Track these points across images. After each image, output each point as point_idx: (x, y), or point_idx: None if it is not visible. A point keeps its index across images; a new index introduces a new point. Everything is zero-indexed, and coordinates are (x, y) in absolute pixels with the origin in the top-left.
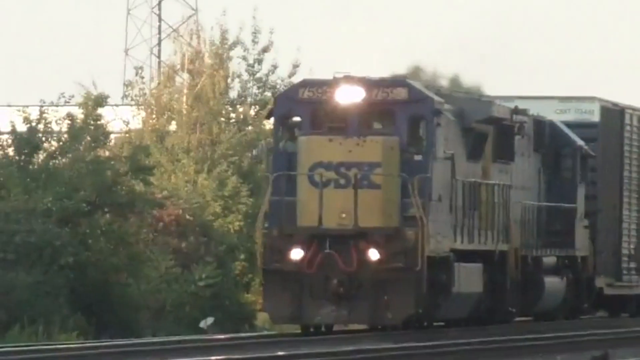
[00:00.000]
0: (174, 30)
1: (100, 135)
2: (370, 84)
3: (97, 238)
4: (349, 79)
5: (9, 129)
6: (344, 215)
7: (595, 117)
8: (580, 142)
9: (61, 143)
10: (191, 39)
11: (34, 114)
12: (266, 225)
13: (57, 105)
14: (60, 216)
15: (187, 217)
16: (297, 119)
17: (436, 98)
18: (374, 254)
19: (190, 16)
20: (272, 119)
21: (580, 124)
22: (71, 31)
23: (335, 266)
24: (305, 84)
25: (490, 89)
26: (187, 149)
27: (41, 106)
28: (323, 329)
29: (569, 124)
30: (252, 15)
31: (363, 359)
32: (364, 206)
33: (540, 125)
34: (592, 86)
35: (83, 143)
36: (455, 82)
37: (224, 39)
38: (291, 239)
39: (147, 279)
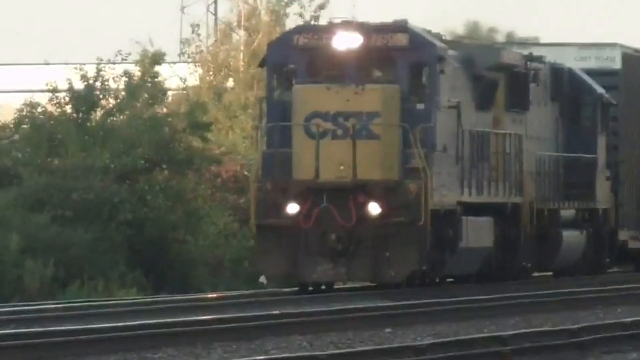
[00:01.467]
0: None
1: (158, 92)
2: (369, 29)
3: (155, 195)
4: (346, 24)
5: (66, 86)
6: (341, 167)
7: (617, 65)
8: (601, 90)
9: (118, 100)
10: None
11: (91, 72)
12: (260, 178)
13: (114, 63)
14: (118, 173)
15: (245, 173)
16: (292, 66)
17: (439, 44)
18: (374, 208)
19: None
20: (265, 68)
21: (601, 72)
22: None
23: (333, 221)
24: (300, 29)
25: (507, 36)
26: (244, 105)
27: (98, 64)
28: (323, 287)
29: (589, 72)
30: None
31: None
32: (362, 158)
33: (558, 72)
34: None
35: (140, 100)
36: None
37: (278, 18)
38: (286, 193)
39: (205, 235)
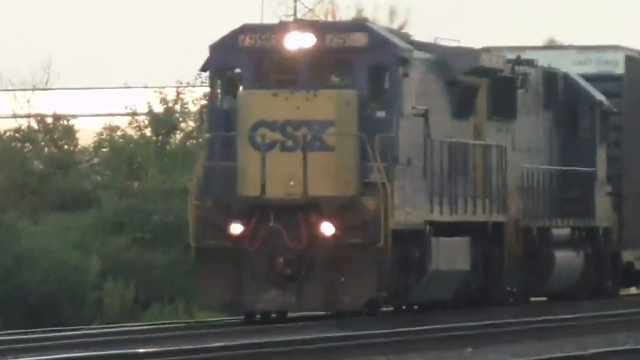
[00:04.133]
0: (310, 10)
1: None
2: (323, 28)
3: None
4: (298, 22)
5: (146, 109)
6: (291, 182)
7: (620, 69)
8: (600, 97)
9: (198, 123)
10: (326, 18)
11: (171, 95)
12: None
13: (193, 86)
14: None
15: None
16: (237, 71)
17: (401, 44)
18: (327, 228)
19: None
20: (208, 72)
21: (602, 77)
22: (206, 11)
23: (281, 243)
24: (246, 29)
25: (501, 39)
26: None
27: (178, 87)
28: (274, 315)
29: (588, 77)
30: None
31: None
32: (315, 172)
33: (552, 77)
34: (616, 34)
35: None
36: None
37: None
38: (229, 212)
39: None
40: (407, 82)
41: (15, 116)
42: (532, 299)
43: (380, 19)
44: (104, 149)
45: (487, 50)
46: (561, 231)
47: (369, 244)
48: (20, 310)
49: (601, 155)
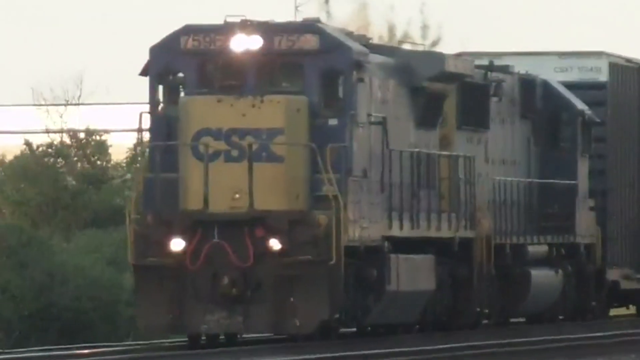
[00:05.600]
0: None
1: None
2: (271, 30)
3: None
4: (244, 23)
5: None
6: (236, 195)
7: (604, 76)
8: (582, 106)
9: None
10: (358, 31)
11: None
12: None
13: None
14: None
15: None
16: (179, 75)
17: (356, 47)
18: (275, 244)
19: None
20: (148, 77)
21: (585, 85)
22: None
23: (225, 260)
24: (189, 30)
25: (479, 45)
26: None
27: None
28: (222, 338)
29: (570, 85)
30: (420, 10)
31: None
32: (262, 184)
33: (529, 85)
34: (600, 39)
35: None
36: None
37: (392, 34)
38: (170, 227)
39: None
40: (363, 87)
41: (47, 131)
42: (513, 320)
43: (413, 34)
44: (137, 165)
45: (455, 55)
46: (538, 248)
47: (320, 261)
48: (54, 327)
49: (583, 167)
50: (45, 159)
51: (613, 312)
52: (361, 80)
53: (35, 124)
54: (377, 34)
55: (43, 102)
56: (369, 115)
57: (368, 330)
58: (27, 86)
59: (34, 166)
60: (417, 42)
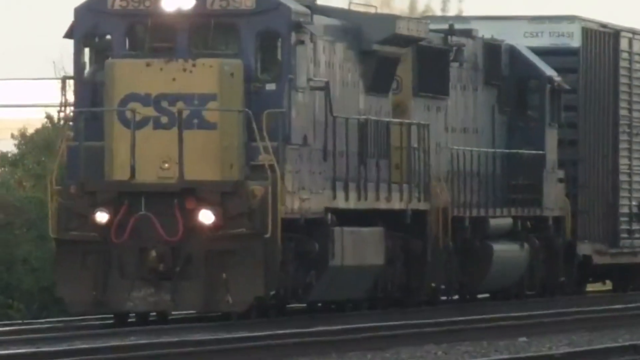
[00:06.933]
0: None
1: None
2: None
3: None
4: None
5: None
6: (165, 165)
7: (576, 42)
8: (551, 72)
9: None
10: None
11: None
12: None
13: None
14: None
15: None
16: (107, 37)
17: (296, 7)
18: (206, 217)
19: None
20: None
21: (557, 50)
22: None
23: (153, 234)
24: None
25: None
26: None
27: None
28: (155, 316)
29: (541, 51)
30: None
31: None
32: (193, 153)
33: (494, 50)
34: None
35: None
36: None
37: (413, 8)
38: (94, 199)
39: None
40: (302, 50)
41: (68, 105)
42: (480, 296)
43: (434, 8)
44: None
45: (408, 17)
46: (500, 221)
47: (254, 234)
48: None
49: (551, 137)
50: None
51: (589, 287)
52: (301, 42)
53: (56, 98)
54: (399, 10)
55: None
56: (310, 79)
57: (318, 306)
58: (49, 60)
59: (55, 139)
60: (371, 5)
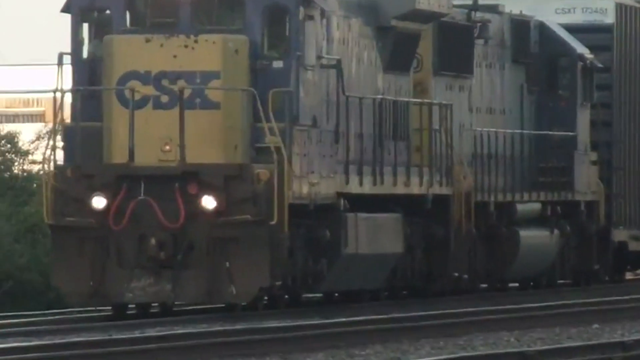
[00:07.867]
0: None
1: None
2: None
3: None
4: None
5: None
6: (166, 147)
7: (610, 18)
8: (583, 50)
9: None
10: None
11: None
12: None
13: None
14: None
15: None
16: (106, 12)
17: None
18: (209, 203)
19: None
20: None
21: (590, 27)
22: None
23: (153, 220)
24: None
25: None
26: None
27: None
28: (156, 306)
29: (573, 28)
30: None
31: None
32: (195, 134)
33: (522, 26)
34: None
35: None
36: None
37: None
38: (92, 183)
39: None
40: (312, 26)
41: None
42: (511, 285)
43: None
44: None
45: None
46: (528, 206)
47: (259, 221)
48: None
49: (584, 117)
50: None
51: (629, 276)
52: (310, 17)
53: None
54: None
55: None
56: (320, 57)
57: (335, 296)
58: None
59: None
60: None
